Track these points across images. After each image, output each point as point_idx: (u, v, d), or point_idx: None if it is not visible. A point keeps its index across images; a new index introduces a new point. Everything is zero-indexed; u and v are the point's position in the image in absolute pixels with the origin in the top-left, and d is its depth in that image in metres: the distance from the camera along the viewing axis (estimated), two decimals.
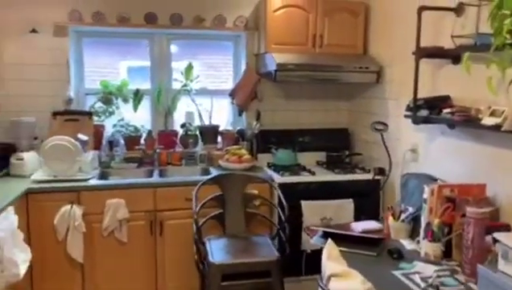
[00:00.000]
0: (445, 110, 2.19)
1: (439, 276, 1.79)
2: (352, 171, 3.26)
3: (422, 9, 2.40)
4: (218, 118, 3.67)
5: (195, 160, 3.44)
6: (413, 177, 2.45)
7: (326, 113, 3.77)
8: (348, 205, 3.06)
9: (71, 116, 3.29)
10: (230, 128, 3.69)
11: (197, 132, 3.58)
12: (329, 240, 1.89)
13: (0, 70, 3.21)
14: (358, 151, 3.61)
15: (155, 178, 3.11)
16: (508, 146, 2.02)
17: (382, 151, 3.06)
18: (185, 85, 3.53)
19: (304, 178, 3.11)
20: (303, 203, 2.99)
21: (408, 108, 2.45)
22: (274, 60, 3.07)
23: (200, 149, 3.50)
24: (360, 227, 2.39)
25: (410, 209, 2.21)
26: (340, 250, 1.93)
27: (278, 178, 3.07)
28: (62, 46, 3.31)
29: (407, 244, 2.15)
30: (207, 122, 3.60)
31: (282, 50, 3.23)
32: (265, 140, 3.54)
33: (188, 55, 3.65)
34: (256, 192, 2.97)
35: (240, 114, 3.64)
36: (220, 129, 3.64)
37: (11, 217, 2.35)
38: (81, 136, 3.04)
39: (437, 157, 2.56)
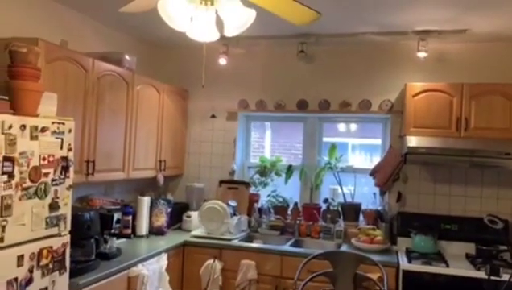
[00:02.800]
0: None
1: None
2: (498, 274, 2.84)
3: None
4: (363, 196, 3.78)
5: (332, 235, 3.60)
6: None
7: (482, 200, 3.42)
8: None
9: (232, 184, 3.96)
10: (372, 207, 3.72)
11: (339, 208, 3.74)
12: None
13: (187, 145, 4.16)
14: None
15: (284, 247, 3.39)
16: None
17: None
18: (329, 163, 3.80)
19: (435, 269, 2.89)
20: None
21: None
22: (406, 142, 3.08)
23: (339, 225, 3.64)
24: None
25: None
26: None
27: (404, 265, 2.95)
28: (232, 128, 4.07)
29: None
30: (349, 199, 3.75)
31: (422, 133, 3.20)
32: (405, 223, 3.44)
33: (339, 136, 3.98)
34: (375, 276, 2.92)
35: (382, 195, 3.66)
36: (363, 207, 3.72)
37: (162, 262, 3.01)
38: (231, 202, 3.62)
39: None
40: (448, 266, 2.92)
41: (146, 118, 3.45)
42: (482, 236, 3.24)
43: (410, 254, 3.14)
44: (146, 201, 3.51)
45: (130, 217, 3.36)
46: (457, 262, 3.04)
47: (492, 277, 2.62)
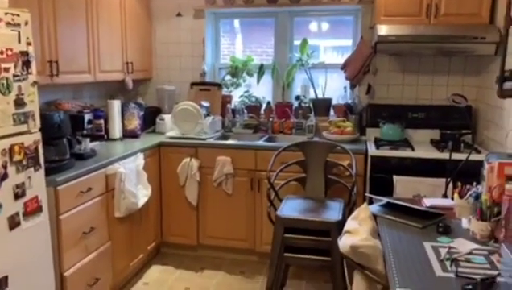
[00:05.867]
0: None
1: (471, 253, 1.70)
2: (461, 151, 3.02)
3: None
4: (334, 91, 3.82)
5: (304, 130, 3.68)
6: (494, 157, 2.22)
7: (448, 88, 3.52)
8: (443, 184, 2.88)
9: (204, 86, 3.92)
10: (342, 102, 3.78)
11: (311, 104, 3.79)
12: (364, 204, 1.96)
13: (153, 47, 4.02)
14: (481, 130, 3.29)
15: (258, 142, 3.48)
16: None
17: (498, 131, 2.77)
18: (300, 60, 3.77)
19: (400, 153, 3.04)
20: (396, 178, 2.95)
21: (496, 80, 2.22)
22: (377, 31, 3.06)
23: (311, 120, 3.72)
24: (429, 203, 2.31)
25: (475, 188, 2.06)
26: (389, 219, 2.00)
27: (373, 151, 3.08)
28: (200, 27, 3.93)
29: (465, 222, 2.02)
30: (320, 95, 3.79)
31: (393, 22, 3.16)
32: (374, 114, 3.54)
33: (310, 32, 3.89)
34: (345, 162, 3.05)
35: (352, 88, 3.71)
36: (334, 102, 3.78)
37: (139, 161, 3.05)
38: (204, 102, 3.61)
39: None
40: (413, 150, 3.08)
41: (107, 17, 3.27)
42: (447, 122, 3.39)
43: (379, 142, 3.27)
44: (116, 105, 3.46)
45: (101, 121, 3.33)
46: (423, 146, 3.20)
47: (453, 156, 2.79)
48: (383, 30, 3.07)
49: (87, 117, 2.96)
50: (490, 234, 1.81)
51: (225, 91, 3.98)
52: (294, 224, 2.60)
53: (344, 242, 1.68)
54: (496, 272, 1.51)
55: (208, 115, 3.62)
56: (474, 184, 2.14)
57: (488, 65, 3.19)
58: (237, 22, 4.14)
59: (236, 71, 3.95)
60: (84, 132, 2.88)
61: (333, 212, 2.70)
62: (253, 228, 3.39)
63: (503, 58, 2.15)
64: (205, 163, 3.38)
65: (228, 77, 3.99)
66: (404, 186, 2.93)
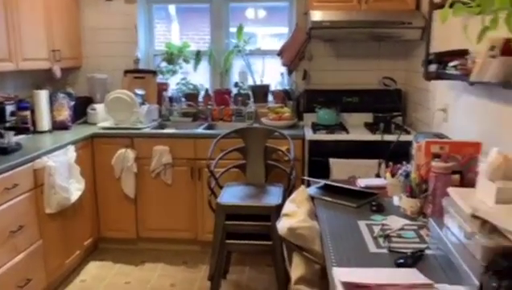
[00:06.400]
0: (450, 64, 2.05)
1: (402, 229, 1.78)
2: (392, 132, 3.16)
3: None
4: (273, 78, 3.84)
5: (243, 117, 3.67)
6: (422, 136, 2.34)
7: (380, 73, 3.65)
8: (377, 165, 3.00)
9: (138, 74, 3.78)
10: (280, 88, 3.81)
11: (249, 91, 3.79)
12: (302, 187, 1.99)
13: (82, 33, 3.81)
14: (410, 112, 3.46)
15: (197, 130, 3.42)
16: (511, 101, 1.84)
17: (425, 112, 2.92)
18: (237, 46, 3.75)
19: (336, 136, 3.13)
20: (332, 160, 3.03)
21: (422, 63, 2.33)
22: (310, 17, 3.10)
23: (250, 107, 3.72)
24: (364, 183, 2.39)
25: (405, 167, 2.15)
26: (325, 200, 2.04)
27: (310, 135, 3.14)
28: (131, 11, 3.77)
29: (397, 200, 2.12)
30: (259, 82, 3.79)
31: (326, 8, 3.22)
32: (311, 100, 3.60)
33: (248, 19, 3.87)
34: (284, 148, 3.09)
35: (289, 74, 3.75)
36: (272, 88, 3.81)
37: (70, 153, 2.89)
38: (138, 90, 3.48)
39: (461, 116, 2.39)
40: (348, 133, 3.18)
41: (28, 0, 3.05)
42: (379, 105, 3.52)
43: (316, 127, 3.34)
44: (43, 95, 3.25)
45: (27, 113, 3.11)
46: (357, 129, 3.31)
47: (384, 137, 2.92)
48: (317, 16, 3.12)
49: (9, 108, 2.74)
50: (419, 210, 1.91)
51: (160, 78, 3.86)
52: (234, 210, 2.59)
53: (283, 225, 1.70)
54: (425, 245, 1.59)
55: (143, 104, 3.50)
56: (404, 163, 2.25)
57: (415, 49, 3.34)
58: (172, 9, 4.02)
59: (172, 57, 3.84)
60: (8, 125, 2.68)
61: (273, 197, 2.73)
62: (195, 217, 3.34)
63: (427, 42, 2.25)
64: (142, 153, 3.28)
65: (163, 64, 3.88)
66: (340, 168, 3.02)
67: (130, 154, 3.24)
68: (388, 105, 3.50)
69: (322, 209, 1.97)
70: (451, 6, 1.62)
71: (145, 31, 3.92)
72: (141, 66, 3.85)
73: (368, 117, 3.53)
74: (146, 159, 3.27)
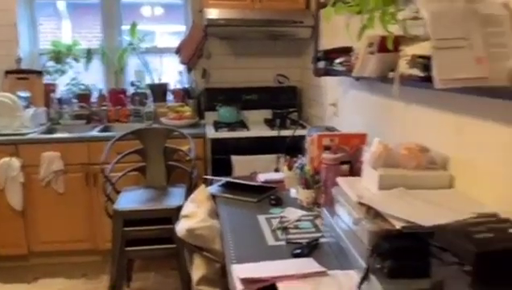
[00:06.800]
0: (336, 61, 2.16)
1: (299, 220, 1.84)
2: (290, 127, 3.27)
3: None
4: (172, 76, 3.75)
5: (142, 117, 3.54)
6: (314, 130, 2.45)
7: (276, 70, 3.75)
8: (282, 160, 3.09)
9: (21, 75, 3.44)
10: (180, 86, 3.75)
11: (147, 90, 3.66)
12: (202, 186, 1.96)
13: None
14: (305, 107, 3.61)
15: (90, 133, 3.23)
16: (388, 95, 2.00)
17: (319, 107, 3.06)
18: (131, 44, 3.60)
19: (237, 134, 3.16)
20: (234, 158, 3.05)
21: (312, 60, 2.44)
22: (206, 15, 3.08)
23: (148, 106, 3.59)
24: (264, 178, 2.44)
25: (301, 160, 2.24)
26: (227, 197, 2.04)
27: (212, 134, 3.13)
28: (10, 7, 3.42)
29: (294, 192, 2.19)
30: (157, 81, 3.68)
31: (220, 6, 3.22)
32: (211, 98, 3.59)
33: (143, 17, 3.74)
34: (185, 147, 3.04)
35: (188, 72, 3.69)
36: (171, 87, 3.72)
37: None
38: (21, 93, 3.18)
39: (349, 110, 2.55)
40: (248, 130, 3.22)
41: None
42: (277, 102, 3.62)
43: (217, 125, 3.34)
44: None
45: None
46: (257, 126, 3.37)
47: (281, 132, 3.01)
48: (212, 13, 3.11)
49: None
50: (314, 201, 1.99)
51: (47, 79, 3.56)
52: (133, 216, 2.48)
53: (181, 227, 1.66)
54: (320, 234, 1.66)
55: (28, 107, 3.21)
56: (299, 156, 2.33)
57: (307, 47, 3.49)
58: (62, 5, 3.73)
59: (59, 56, 3.57)
60: None
61: (174, 198, 2.66)
62: (93, 226, 3.14)
63: (316, 40, 2.36)
64: (29, 161, 3.00)
65: (50, 64, 3.59)
66: (242, 165, 3.05)
67: (15, 162, 2.95)
68: (285, 101, 3.62)
69: (223, 207, 1.97)
70: (334, 5, 1.72)
71: (28, 28, 3.59)
72: (24, 66, 3.51)
73: (267, 113, 3.61)
74: (34, 167, 3.00)
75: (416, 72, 1.32)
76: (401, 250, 1.12)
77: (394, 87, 1.39)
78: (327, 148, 2.02)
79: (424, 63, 1.25)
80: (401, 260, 1.12)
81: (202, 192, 1.91)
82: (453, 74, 1.11)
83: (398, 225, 1.20)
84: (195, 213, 1.71)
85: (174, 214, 2.47)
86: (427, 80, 1.18)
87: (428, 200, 1.35)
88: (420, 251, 1.08)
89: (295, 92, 3.67)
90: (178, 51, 3.60)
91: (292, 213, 1.93)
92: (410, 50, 1.43)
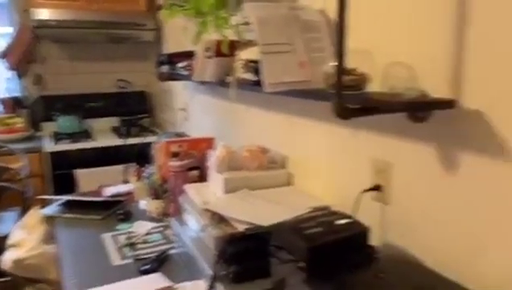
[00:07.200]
0: (179, 65, 2.12)
1: (148, 234, 1.75)
2: (139, 135, 3.13)
3: None
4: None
5: None
6: (164, 136, 2.39)
7: (120, 75, 3.56)
8: (130, 170, 2.94)
9: None
10: (8, 95, 3.30)
11: None
12: (33, 209, 1.74)
13: None
14: (158, 113, 3.50)
15: None
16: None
17: (171, 112, 2.98)
18: None
19: (80, 145, 2.91)
20: (77, 171, 2.80)
21: (156, 64, 2.37)
22: (34, 15, 2.76)
23: None
24: (111, 191, 2.27)
25: (149, 169, 2.15)
26: (68, 217, 1.84)
27: (51, 147, 2.82)
28: None
29: (143, 204, 2.09)
30: None
31: (50, 6, 2.90)
32: (48, 107, 3.25)
33: None
34: (17, 165, 2.68)
35: (19, 78, 3.27)
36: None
37: None
38: None
39: (197, 114, 2.54)
40: (93, 140, 2.99)
41: None
42: (125, 109, 3.45)
43: (57, 137, 3.02)
44: None
45: None
46: (103, 135, 3.15)
47: (129, 140, 2.87)
48: (42, 14, 2.80)
49: None
50: (164, 211, 1.92)
51: None
52: None
53: (7, 258, 1.43)
54: (169, 246, 1.60)
55: None
56: (146, 165, 2.24)
57: (152, 51, 3.39)
58: None
59: None
60: None
61: (5, 225, 2.31)
62: None
63: (159, 43, 2.29)
64: None
65: None
66: (88, 179, 2.81)
67: None
68: (134, 107, 3.46)
69: (62, 229, 1.77)
70: (169, 8, 1.67)
71: None
72: None
73: (115, 121, 3.41)
74: None
75: (250, 76, 1.35)
76: (243, 252, 1.13)
77: (231, 91, 1.41)
78: (175, 155, 1.97)
79: (255, 67, 1.28)
80: (244, 263, 1.12)
81: (33, 216, 1.69)
82: (280, 78, 1.15)
83: (240, 228, 1.21)
84: (24, 240, 1.50)
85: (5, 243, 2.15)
86: (259, 84, 1.21)
87: (269, 199, 1.40)
88: (261, 252, 1.10)
89: (143, 97, 3.53)
90: (4, 56, 3.17)
91: (142, 227, 1.83)
92: (244, 54, 1.46)
